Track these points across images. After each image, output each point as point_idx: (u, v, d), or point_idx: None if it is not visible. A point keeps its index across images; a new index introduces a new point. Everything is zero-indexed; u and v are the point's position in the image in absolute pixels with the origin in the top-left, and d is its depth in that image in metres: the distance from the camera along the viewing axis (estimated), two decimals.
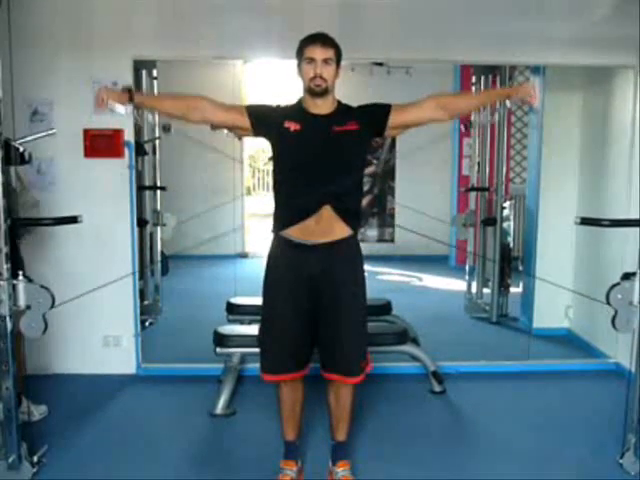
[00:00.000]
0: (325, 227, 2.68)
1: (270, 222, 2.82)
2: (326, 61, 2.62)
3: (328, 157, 2.67)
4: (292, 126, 2.68)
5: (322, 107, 2.70)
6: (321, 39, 2.64)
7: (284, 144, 2.71)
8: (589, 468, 3.11)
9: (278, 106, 2.81)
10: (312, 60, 2.62)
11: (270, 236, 2.83)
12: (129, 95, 2.77)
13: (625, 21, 3.98)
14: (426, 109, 2.78)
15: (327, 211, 2.67)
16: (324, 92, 2.64)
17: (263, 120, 2.73)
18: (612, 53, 4.13)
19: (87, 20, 3.98)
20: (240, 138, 3.24)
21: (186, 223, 5.53)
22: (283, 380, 2.83)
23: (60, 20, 3.97)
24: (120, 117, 3.27)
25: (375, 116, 2.76)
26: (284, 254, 2.75)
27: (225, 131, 3.03)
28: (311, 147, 2.67)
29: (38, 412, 3.49)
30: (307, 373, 2.85)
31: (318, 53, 2.61)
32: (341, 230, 2.71)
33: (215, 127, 2.96)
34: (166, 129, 5.31)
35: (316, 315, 2.74)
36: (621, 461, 3.06)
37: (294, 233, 2.70)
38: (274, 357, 2.81)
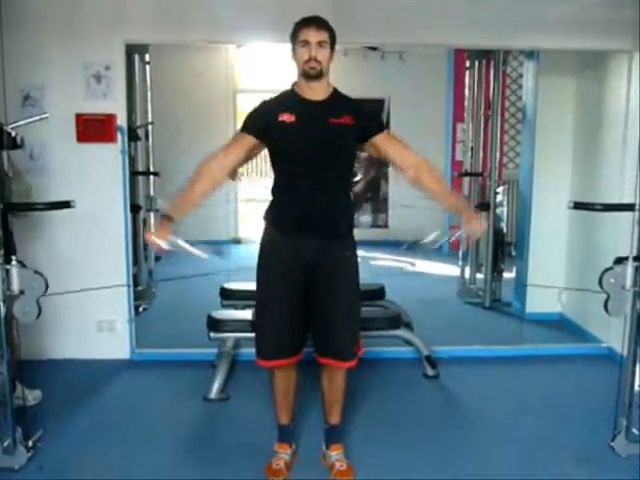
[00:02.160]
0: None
1: (264, 208, 2.82)
2: (320, 44, 2.61)
3: (323, 148, 2.66)
4: (287, 118, 2.65)
5: (317, 92, 2.69)
6: (315, 22, 2.63)
7: (280, 137, 2.69)
8: (581, 451, 3.13)
9: (266, 101, 2.78)
10: (306, 43, 2.61)
11: (262, 223, 2.83)
12: (168, 220, 2.66)
13: (619, 5, 3.97)
14: (405, 161, 2.76)
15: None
16: (319, 75, 2.63)
17: (262, 127, 2.69)
18: (606, 37, 4.12)
19: (79, 4, 3.94)
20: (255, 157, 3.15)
21: None
22: (278, 366, 2.84)
23: (52, 4, 3.93)
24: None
25: (368, 124, 2.75)
26: (278, 240, 2.75)
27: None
28: (307, 138, 2.66)
29: (32, 397, 3.49)
30: (302, 358, 2.86)
31: (312, 36, 2.60)
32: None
33: (234, 176, 2.94)
34: None
35: (310, 300, 2.75)
36: (612, 444, 3.10)
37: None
38: (269, 343, 2.81)
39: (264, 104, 2.78)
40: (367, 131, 2.73)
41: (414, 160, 2.76)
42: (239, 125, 2.80)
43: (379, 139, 2.75)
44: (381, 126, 2.81)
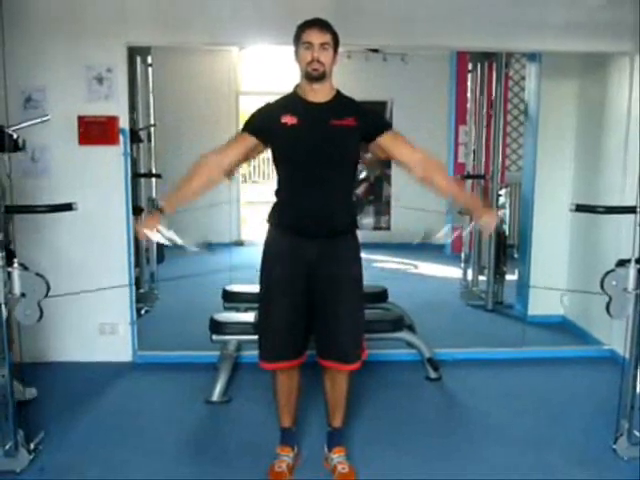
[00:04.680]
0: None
1: (266, 210, 2.82)
2: (323, 45, 2.61)
3: (325, 149, 2.66)
4: (289, 120, 2.66)
5: (319, 94, 2.69)
6: (318, 24, 2.64)
7: (282, 139, 2.69)
8: (583, 453, 3.13)
9: (269, 103, 2.78)
10: (309, 44, 2.61)
11: (266, 225, 2.83)
12: (159, 211, 2.70)
13: (621, 8, 3.97)
14: (412, 158, 2.76)
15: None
16: (322, 77, 2.63)
17: (264, 128, 2.70)
18: (608, 40, 4.12)
19: (81, 6, 3.94)
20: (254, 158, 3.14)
21: (181, 211, 5.51)
22: (280, 368, 2.84)
23: (54, 6, 3.94)
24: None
25: (372, 125, 2.75)
26: (282, 243, 2.75)
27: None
28: (309, 140, 2.66)
29: (28, 394, 3.49)
30: (304, 361, 2.86)
31: (315, 37, 2.61)
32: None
33: (230, 175, 2.94)
34: None
35: (313, 302, 2.75)
36: (614, 446, 3.09)
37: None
38: (272, 345, 2.81)
39: (267, 106, 2.78)
40: (372, 132, 2.73)
41: (419, 157, 2.75)
42: (241, 127, 2.80)
43: (384, 139, 2.74)
44: (386, 126, 2.80)
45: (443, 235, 2.96)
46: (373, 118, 2.81)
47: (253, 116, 2.77)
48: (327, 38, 2.62)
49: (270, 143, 2.73)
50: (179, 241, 2.70)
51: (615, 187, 4.26)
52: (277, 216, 2.77)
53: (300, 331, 2.79)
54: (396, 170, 6.55)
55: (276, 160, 2.76)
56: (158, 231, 2.65)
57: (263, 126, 2.70)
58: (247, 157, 2.82)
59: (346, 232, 2.77)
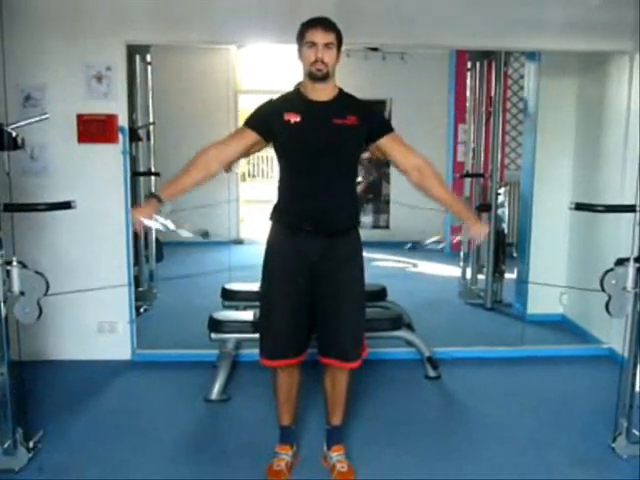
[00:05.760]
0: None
1: (267, 209, 2.82)
2: (327, 45, 2.61)
3: (328, 148, 2.66)
4: (292, 118, 2.65)
5: (322, 93, 2.69)
6: (323, 23, 2.63)
7: (285, 137, 2.69)
8: (582, 452, 3.14)
9: (272, 100, 2.78)
10: (313, 44, 2.61)
11: (268, 223, 2.83)
12: (156, 199, 2.66)
13: (620, 6, 3.97)
14: (410, 162, 2.76)
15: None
16: (325, 77, 2.63)
17: (265, 125, 2.70)
18: (607, 38, 4.12)
19: (80, 4, 3.94)
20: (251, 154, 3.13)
21: (180, 209, 5.51)
22: (282, 366, 2.84)
23: (53, 4, 3.93)
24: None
25: (374, 126, 2.75)
26: (284, 241, 2.75)
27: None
28: (311, 138, 2.66)
29: None
30: (305, 359, 2.86)
31: (319, 37, 2.60)
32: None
33: (228, 169, 2.94)
34: None
35: (315, 300, 2.75)
36: (613, 445, 3.10)
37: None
38: (274, 343, 2.81)
39: (269, 103, 2.78)
40: (373, 133, 2.73)
41: (417, 162, 2.75)
42: (243, 122, 2.79)
43: (384, 141, 2.74)
44: (387, 128, 2.79)
45: (433, 241, 2.97)
46: (375, 119, 2.81)
47: (255, 112, 2.77)
48: (331, 38, 2.62)
49: (272, 140, 2.73)
50: (172, 226, 2.69)
51: (614, 186, 4.27)
52: (279, 214, 2.77)
53: (302, 329, 2.80)
54: (395, 169, 6.55)
55: (279, 157, 2.77)
56: (154, 219, 2.65)
57: (265, 123, 2.70)
58: (247, 152, 2.82)
59: (348, 230, 2.77)
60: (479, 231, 2.78)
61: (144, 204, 2.74)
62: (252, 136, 2.71)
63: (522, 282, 5.04)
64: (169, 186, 2.73)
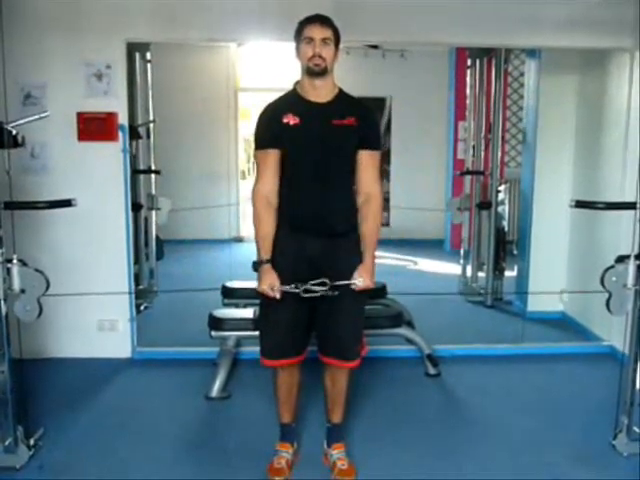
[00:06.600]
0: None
1: None
2: (325, 41, 2.61)
3: (327, 149, 2.66)
4: (291, 120, 2.65)
5: (321, 91, 2.68)
6: (320, 19, 2.64)
7: (285, 139, 2.67)
8: (582, 449, 3.14)
9: (267, 107, 2.76)
10: (311, 40, 2.61)
11: None
12: (266, 263, 2.70)
13: (621, 4, 3.97)
14: (368, 186, 2.72)
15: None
16: (323, 72, 2.63)
17: (273, 135, 2.68)
18: (608, 36, 4.12)
19: (80, 2, 3.94)
20: None
21: (181, 207, 5.51)
22: (282, 365, 2.84)
23: (53, 3, 3.92)
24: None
25: (366, 134, 2.73)
26: (284, 241, 2.74)
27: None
28: (311, 140, 2.66)
29: None
30: (305, 358, 2.86)
31: (317, 32, 2.61)
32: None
33: None
34: None
35: (314, 300, 2.74)
36: (614, 442, 3.10)
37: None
38: (274, 342, 2.81)
39: (267, 109, 2.76)
40: (361, 140, 2.71)
41: (372, 191, 2.73)
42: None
43: (364, 153, 2.72)
44: (374, 144, 2.77)
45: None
46: (369, 129, 2.77)
47: (258, 129, 2.75)
48: (328, 33, 2.62)
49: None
50: (295, 291, 2.67)
51: (615, 183, 4.27)
52: (279, 214, 2.76)
53: (302, 329, 2.80)
54: (395, 167, 6.56)
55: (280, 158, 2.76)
56: (277, 285, 2.67)
57: (272, 134, 2.69)
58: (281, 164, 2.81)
59: (348, 230, 2.76)
60: (364, 284, 2.73)
61: (261, 276, 2.72)
62: (274, 153, 2.68)
63: (522, 281, 5.03)
64: (262, 245, 2.72)
